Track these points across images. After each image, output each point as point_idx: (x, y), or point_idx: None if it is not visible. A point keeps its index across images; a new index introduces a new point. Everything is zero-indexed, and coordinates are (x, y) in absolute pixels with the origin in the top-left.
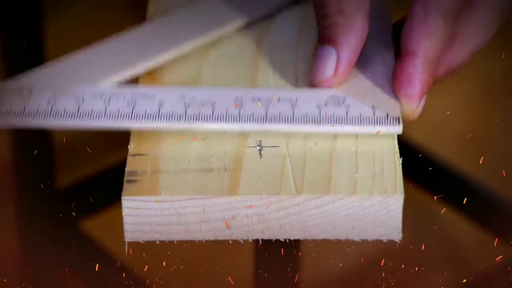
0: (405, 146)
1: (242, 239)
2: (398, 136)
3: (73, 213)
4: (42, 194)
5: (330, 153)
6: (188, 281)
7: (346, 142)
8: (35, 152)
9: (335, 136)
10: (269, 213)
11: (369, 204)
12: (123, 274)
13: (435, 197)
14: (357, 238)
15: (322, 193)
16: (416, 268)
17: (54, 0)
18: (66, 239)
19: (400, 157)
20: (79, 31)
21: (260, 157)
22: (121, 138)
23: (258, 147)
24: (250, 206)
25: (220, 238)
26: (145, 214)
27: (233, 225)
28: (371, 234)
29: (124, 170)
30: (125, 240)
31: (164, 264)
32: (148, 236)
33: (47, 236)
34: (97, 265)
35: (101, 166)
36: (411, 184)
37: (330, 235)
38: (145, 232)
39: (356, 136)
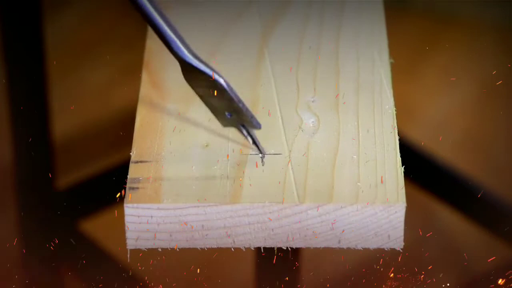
0: (405, 146)
1: (244, 247)
2: (398, 135)
3: (73, 214)
4: (42, 194)
5: (333, 161)
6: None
7: (349, 150)
8: (34, 152)
9: (337, 144)
10: (271, 221)
11: (371, 213)
12: (123, 274)
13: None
14: (359, 247)
15: (324, 201)
16: (416, 268)
17: (54, 0)
18: (66, 240)
19: (402, 165)
20: (79, 31)
21: (263, 165)
22: (121, 139)
23: (260, 155)
24: (252, 214)
25: (222, 246)
26: (147, 222)
27: (235, 233)
28: (373, 243)
29: (124, 171)
30: (127, 247)
31: (164, 266)
32: (150, 243)
33: (47, 236)
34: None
35: (101, 167)
36: (411, 185)
37: (331, 243)
38: (148, 239)
39: (358, 144)
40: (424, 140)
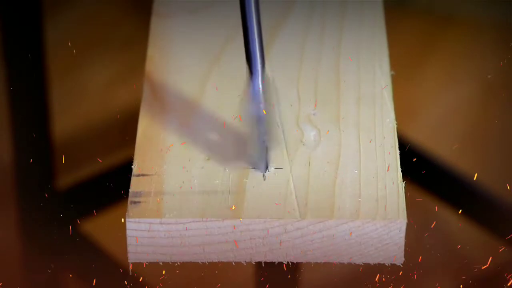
0: (405, 146)
1: (245, 261)
2: (398, 135)
3: (73, 214)
4: (42, 195)
5: (334, 175)
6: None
7: (350, 165)
8: (34, 153)
9: (338, 158)
10: (272, 236)
11: (372, 228)
12: (123, 274)
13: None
14: (359, 262)
15: (325, 217)
16: (416, 269)
17: (54, 0)
18: (67, 240)
19: (403, 181)
20: (79, 32)
21: (264, 179)
22: (121, 139)
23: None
24: (254, 229)
25: (223, 260)
26: (149, 236)
27: (236, 247)
28: (374, 258)
29: (124, 171)
30: (129, 261)
31: (164, 271)
32: (151, 257)
33: (47, 237)
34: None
35: (101, 167)
36: (411, 185)
37: (332, 258)
38: (149, 253)
39: (359, 158)
40: (424, 140)
